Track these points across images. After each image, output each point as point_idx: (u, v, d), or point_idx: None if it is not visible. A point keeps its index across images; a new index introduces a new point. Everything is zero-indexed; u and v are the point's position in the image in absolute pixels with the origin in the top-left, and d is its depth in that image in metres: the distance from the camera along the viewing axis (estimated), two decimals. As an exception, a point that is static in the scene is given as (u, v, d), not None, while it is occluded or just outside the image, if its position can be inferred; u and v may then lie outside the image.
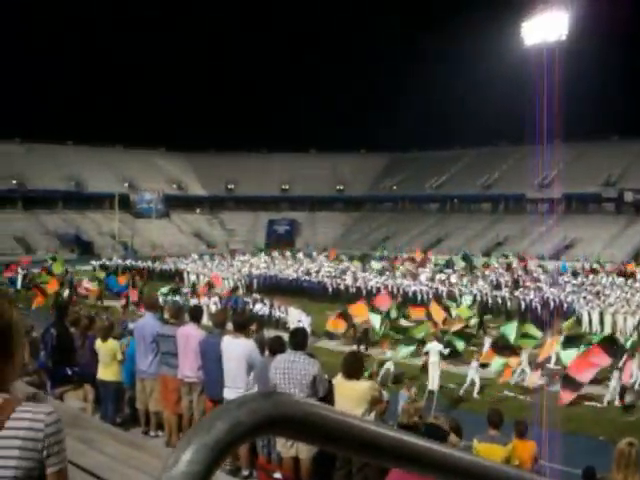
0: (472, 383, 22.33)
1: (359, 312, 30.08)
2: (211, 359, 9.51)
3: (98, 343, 11.49)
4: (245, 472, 8.91)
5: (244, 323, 9.93)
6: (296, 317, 31.36)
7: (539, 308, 35.78)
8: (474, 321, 31.15)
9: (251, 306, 35.09)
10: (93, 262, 59.52)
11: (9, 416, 2.07)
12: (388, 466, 1.30)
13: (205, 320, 20.83)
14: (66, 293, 39.33)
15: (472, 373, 22.41)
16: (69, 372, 11.36)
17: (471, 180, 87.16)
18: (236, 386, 9.07)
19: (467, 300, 37.09)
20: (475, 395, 22.14)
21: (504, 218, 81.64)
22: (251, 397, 0.98)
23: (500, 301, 38.57)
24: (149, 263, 56.94)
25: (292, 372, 8.03)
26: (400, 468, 1.30)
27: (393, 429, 1.29)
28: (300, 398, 1.09)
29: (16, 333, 2.22)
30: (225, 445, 0.90)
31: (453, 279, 44.42)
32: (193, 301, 34.13)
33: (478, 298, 38.58)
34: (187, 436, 0.90)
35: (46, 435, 2.08)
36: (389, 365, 23.41)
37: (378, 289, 41.62)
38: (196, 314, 11.13)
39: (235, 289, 43.30)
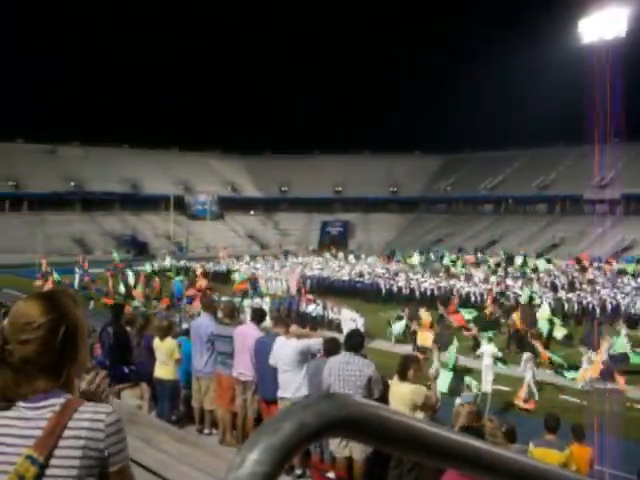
0: (529, 386, 21.97)
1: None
2: (265, 359, 9.54)
3: (156, 342, 11.60)
4: (298, 471, 8.92)
5: (297, 323, 9.94)
6: (349, 318, 31.28)
7: (597, 310, 35.23)
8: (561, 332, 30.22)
9: (304, 307, 35.11)
10: (149, 264, 60.17)
11: (71, 417, 2.10)
12: (450, 469, 1.27)
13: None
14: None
15: (528, 376, 22.07)
16: (126, 370, 11.50)
17: (527, 181, 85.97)
18: (289, 387, 9.08)
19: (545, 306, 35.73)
20: (536, 398, 21.78)
21: (560, 219, 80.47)
22: (317, 399, 0.98)
23: (555, 304, 37.95)
24: (203, 264, 57.25)
25: (347, 373, 8.02)
26: (462, 471, 1.28)
27: (455, 432, 1.26)
28: (365, 400, 1.07)
29: (81, 333, 2.26)
30: (291, 446, 0.90)
31: (509, 281, 43.90)
32: (246, 301, 34.32)
33: (537, 301, 38.03)
34: (254, 436, 0.90)
35: (107, 435, 2.12)
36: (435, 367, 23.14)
37: (432, 290, 41.45)
38: (258, 315, 11.18)
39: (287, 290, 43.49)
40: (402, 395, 7.72)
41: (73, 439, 2.07)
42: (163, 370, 11.50)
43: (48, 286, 39.83)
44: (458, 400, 15.27)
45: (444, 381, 23.27)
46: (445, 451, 1.17)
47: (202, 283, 41.02)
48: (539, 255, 62.94)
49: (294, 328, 9.38)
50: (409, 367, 8.03)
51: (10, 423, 2.11)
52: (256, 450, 0.87)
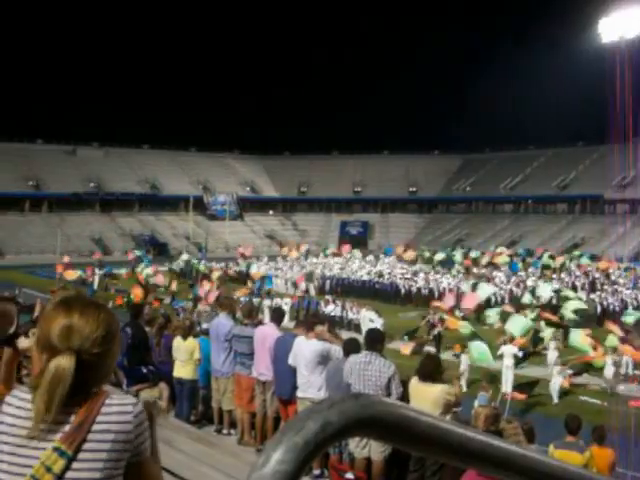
0: (554, 388, 21.82)
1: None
2: (283, 359, 9.51)
3: (177, 341, 11.61)
4: (316, 471, 8.88)
5: (315, 323, 9.88)
6: (368, 319, 31.25)
7: (618, 311, 34.99)
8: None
9: (323, 307, 35.10)
10: (167, 264, 60.43)
11: (100, 411, 2.11)
12: (476, 470, 1.24)
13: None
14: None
15: (556, 380, 21.91)
16: (145, 371, 11.49)
17: (546, 181, 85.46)
18: (308, 386, 9.05)
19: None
20: (555, 400, 21.64)
21: (581, 219, 79.99)
22: (342, 398, 0.97)
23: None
24: (222, 264, 57.31)
25: (367, 373, 7.98)
26: (488, 473, 1.24)
27: (481, 433, 1.23)
28: (391, 400, 1.05)
29: (118, 339, 2.29)
30: (315, 445, 0.89)
31: (529, 282, 43.70)
32: (266, 302, 34.37)
33: (554, 301, 37.84)
34: (278, 435, 0.89)
35: (135, 425, 2.14)
36: (464, 368, 23.07)
37: (451, 290, 41.28)
38: (277, 315, 11.14)
39: (307, 291, 43.57)
40: (432, 395, 7.67)
41: (103, 432, 2.09)
42: (183, 370, 11.51)
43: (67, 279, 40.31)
44: (477, 402, 15.23)
45: (481, 350, 23.40)
46: (474, 453, 1.15)
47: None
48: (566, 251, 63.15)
49: (320, 329, 9.30)
50: (435, 367, 7.99)
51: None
52: (280, 449, 0.87)
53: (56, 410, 2.08)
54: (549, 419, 16.71)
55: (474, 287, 40.19)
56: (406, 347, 27.21)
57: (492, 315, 32.77)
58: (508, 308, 32.58)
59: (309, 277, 48.33)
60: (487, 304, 38.24)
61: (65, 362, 2.12)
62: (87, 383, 2.15)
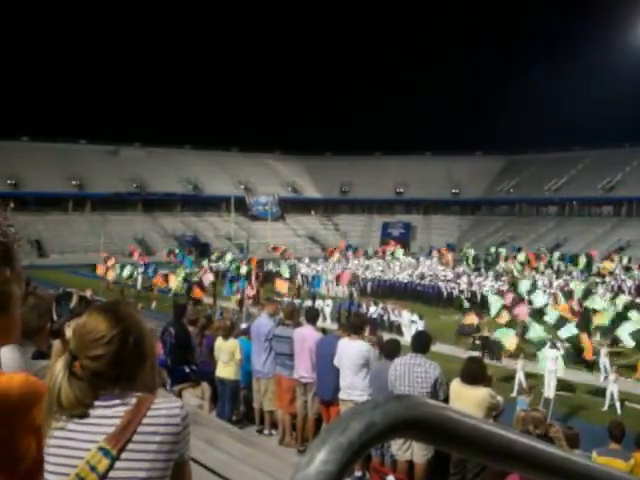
0: (612, 397, 21.43)
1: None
2: (325, 360, 9.51)
3: (219, 341, 11.67)
4: (358, 473, 8.87)
5: (359, 325, 9.88)
6: (410, 321, 31.16)
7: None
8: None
9: (364, 309, 35.04)
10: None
11: (146, 413, 2.14)
12: (520, 473, 1.23)
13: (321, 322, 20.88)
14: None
15: (612, 387, 21.54)
16: (187, 370, 11.58)
17: (592, 182, 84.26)
18: (352, 388, 9.05)
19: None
20: (606, 407, 21.25)
21: (627, 222, 78.77)
22: (386, 399, 0.97)
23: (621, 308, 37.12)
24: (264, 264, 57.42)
25: (413, 375, 7.98)
26: (532, 477, 1.23)
27: (526, 435, 1.22)
28: (436, 402, 1.05)
29: (148, 341, 2.31)
30: (359, 446, 0.89)
31: (572, 285, 43.22)
32: (307, 303, 34.39)
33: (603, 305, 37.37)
34: (322, 436, 0.89)
35: (183, 427, 2.18)
36: (520, 374, 22.78)
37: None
38: (312, 316, 11.12)
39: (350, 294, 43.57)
40: (476, 398, 7.63)
41: (149, 434, 2.12)
42: (225, 370, 11.56)
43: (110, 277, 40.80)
44: (517, 407, 15.09)
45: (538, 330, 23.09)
46: (518, 456, 1.14)
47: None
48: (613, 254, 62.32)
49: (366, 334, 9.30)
50: (480, 370, 7.95)
51: (85, 421, 2.16)
52: (324, 449, 0.86)
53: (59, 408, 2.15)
54: (593, 425, 16.49)
55: (515, 288, 40.10)
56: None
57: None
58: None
59: (354, 278, 48.28)
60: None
61: (58, 364, 2.20)
62: (109, 384, 2.19)
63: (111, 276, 46.86)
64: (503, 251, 66.19)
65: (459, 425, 1.03)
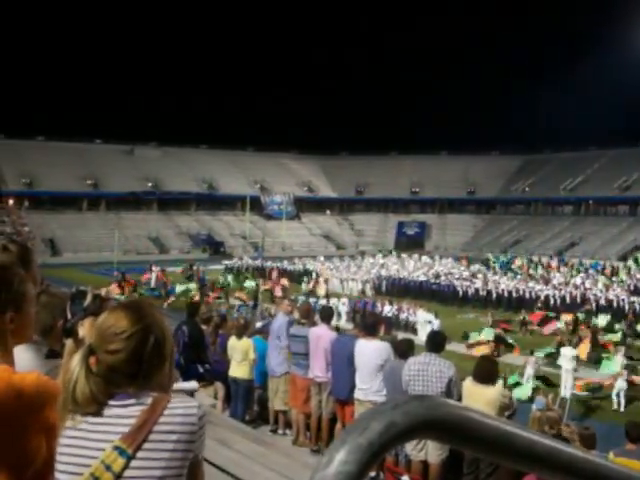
0: (617, 395, 21.31)
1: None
2: (341, 359, 9.48)
3: (232, 341, 11.65)
4: (372, 474, 8.82)
5: (374, 325, 9.84)
6: (425, 320, 31.10)
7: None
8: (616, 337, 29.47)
9: (379, 308, 34.98)
10: (226, 262, 60.81)
11: (162, 413, 2.14)
12: (540, 475, 1.19)
13: (335, 320, 20.85)
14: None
15: (620, 385, 21.40)
16: (201, 369, 11.56)
17: (607, 182, 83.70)
18: (368, 389, 9.01)
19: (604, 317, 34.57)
20: (621, 409, 21.09)
21: (642, 222, 78.32)
22: (406, 399, 0.96)
23: (638, 307, 36.94)
24: (278, 263, 57.44)
25: (427, 374, 7.95)
26: (552, 478, 1.20)
27: (547, 436, 1.20)
28: (456, 402, 1.05)
29: (168, 341, 2.30)
30: (379, 446, 0.88)
31: (587, 284, 43.03)
32: (322, 302, 34.38)
33: (615, 304, 37.22)
34: (342, 436, 0.88)
35: (199, 427, 2.18)
36: (530, 372, 22.67)
37: (509, 292, 40.98)
38: (326, 315, 11.07)
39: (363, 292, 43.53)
40: (488, 397, 7.60)
41: (166, 433, 2.12)
42: (239, 369, 11.55)
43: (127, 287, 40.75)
44: (534, 406, 14.99)
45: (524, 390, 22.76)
46: (539, 457, 1.12)
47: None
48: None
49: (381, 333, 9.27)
50: (492, 369, 7.91)
51: (99, 421, 2.15)
52: (343, 450, 0.85)
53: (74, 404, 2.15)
54: (609, 425, 16.36)
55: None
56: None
57: None
58: None
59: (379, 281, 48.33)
60: (546, 306, 37.81)
61: (74, 359, 2.22)
62: (124, 381, 2.19)
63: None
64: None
65: (480, 426, 1.02)
